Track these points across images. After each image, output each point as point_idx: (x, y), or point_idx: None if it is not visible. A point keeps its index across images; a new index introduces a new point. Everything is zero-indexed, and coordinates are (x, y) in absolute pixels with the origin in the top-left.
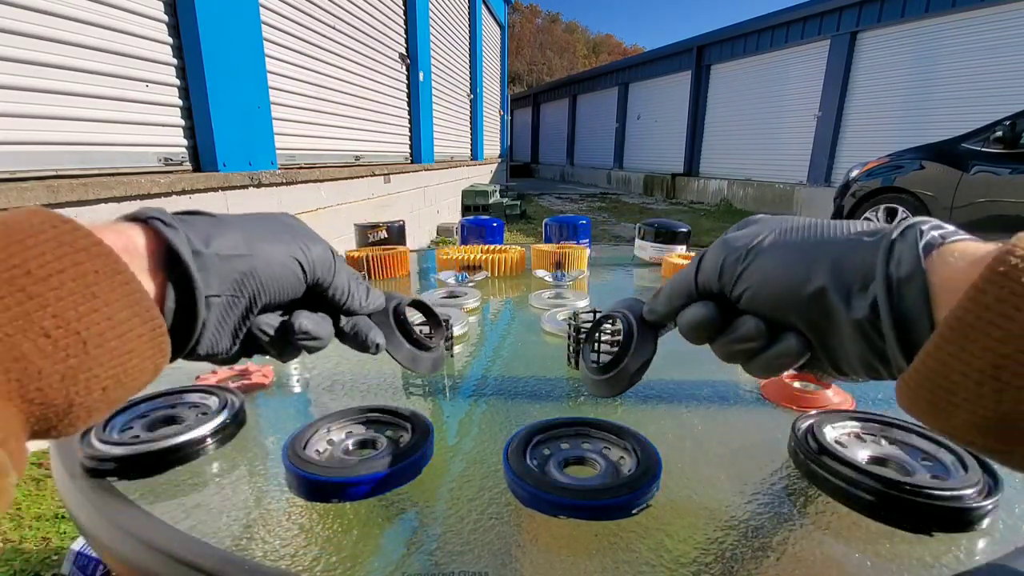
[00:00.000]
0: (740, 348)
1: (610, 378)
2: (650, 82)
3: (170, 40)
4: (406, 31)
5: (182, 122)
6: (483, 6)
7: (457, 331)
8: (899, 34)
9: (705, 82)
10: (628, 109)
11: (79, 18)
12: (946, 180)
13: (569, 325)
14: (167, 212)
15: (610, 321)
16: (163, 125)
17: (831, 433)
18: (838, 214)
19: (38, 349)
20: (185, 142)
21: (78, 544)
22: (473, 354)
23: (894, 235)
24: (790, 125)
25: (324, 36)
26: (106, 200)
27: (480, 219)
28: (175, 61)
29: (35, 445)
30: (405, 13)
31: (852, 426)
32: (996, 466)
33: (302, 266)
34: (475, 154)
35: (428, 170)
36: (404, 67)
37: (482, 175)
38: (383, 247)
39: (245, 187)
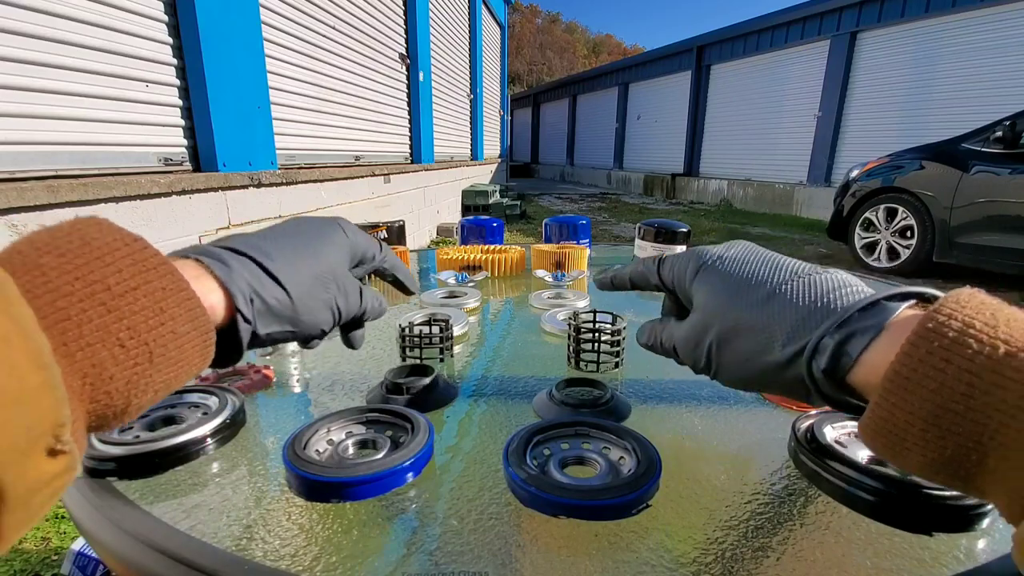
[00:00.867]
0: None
1: None
2: (650, 82)
3: (170, 40)
4: (406, 31)
5: (182, 122)
6: (483, 6)
7: (457, 331)
8: (899, 34)
9: (705, 82)
10: (628, 109)
11: (79, 18)
12: (946, 180)
13: (569, 325)
14: (246, 286)
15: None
16: (163, 125)
17: (831, 433)
18: (838, 214)
19: (112, 357)
20: (185, 142)
21: (78, 544)
22: (473, 354)
23: (809, 358)
24: (790, 125)
25: (324, 36)
26: (106, 200)
27: (480, 219)
28: (175, 61)
29: None
30: (405, 13)
31: (852, 426)
32: None
33: (336, 313)
34: (475, 154)
35: (428, 170)
36: (404, 67)
37: (482, 175)
38: None
39: (245, 187)
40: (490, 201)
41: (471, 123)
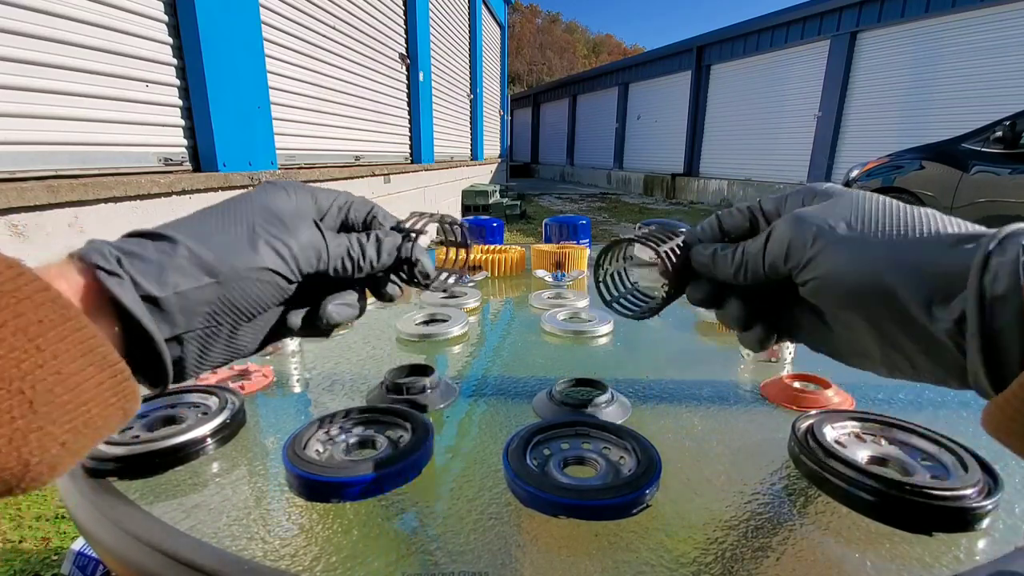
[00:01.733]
0: (727, 323)
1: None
2: (650, 82)
3: (170, 40)
4: (406, 31)
5: (182, 122)
6: (483, 6)
7: (457, 331)
8: (899, 34)
9: (705, 82)
10: (628, 109)
11: (79, 18)
12: (946, 180)
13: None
14: (112, 249)
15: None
16: (163, 125)
17: (831, 433)
18: None
19: None
20: (185, 142)
21: (78, 544)
22: (473, 354)
23: (991, 246)
24: (790, 125)
25: (324, 36)
26: (106, 200)
27: (480, 219)
28: (175, 61)
29: None
30: (405, 13)
31: (852, 426)
32: (996, 466)
33: (279, 272)
34: (475, 154)
35: (428, 170)
36: (404, 67)
37: (482, 175)
38: None
39: (245, 187)
40: (490, 201)
41: (471, 123)
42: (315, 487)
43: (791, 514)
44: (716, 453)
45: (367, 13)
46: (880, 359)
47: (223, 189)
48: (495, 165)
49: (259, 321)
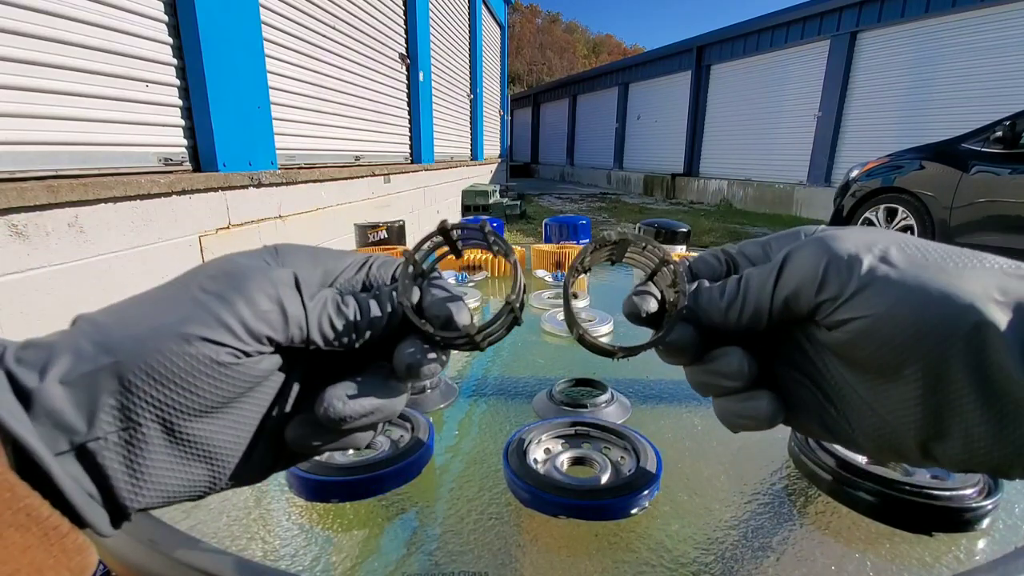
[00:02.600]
0: (716, 383)
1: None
2: (650, 82)
3: (170, 40)
4: (406, 31)
5: (182, 122)
6: (483, 6)
7: None
8: (899, 34)
9: (705, 82)
10: (628, 109)
11: (79, 18)
12: (946, 180)
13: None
14: (11, 342)
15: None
16: (163, 125)
17: None
18: (838, 214)
19: None
20: (185, 142)
21: None
22: (473, 354)
23: None
24: (790, 125)
25: (324, 36)
26: (106, 200)
27: (480, 219)
28: (175, 61)
29: None
30: (405, 13)
31: None
32: None
33: (214, 340)
34: (475, 154)
35: (428, 170)
36: (404, 67)
37: (482, 175)
38: (383, 247)
39: (245, 187)
40: (490, 201)
41: (471, 123)
42: (315, 487)
43: (791, 514)
44: (716, 453)
45: (367, 13)
46: (920, 436)
47: (223, 189)
48: (495, 165)
49: (228, 419)
